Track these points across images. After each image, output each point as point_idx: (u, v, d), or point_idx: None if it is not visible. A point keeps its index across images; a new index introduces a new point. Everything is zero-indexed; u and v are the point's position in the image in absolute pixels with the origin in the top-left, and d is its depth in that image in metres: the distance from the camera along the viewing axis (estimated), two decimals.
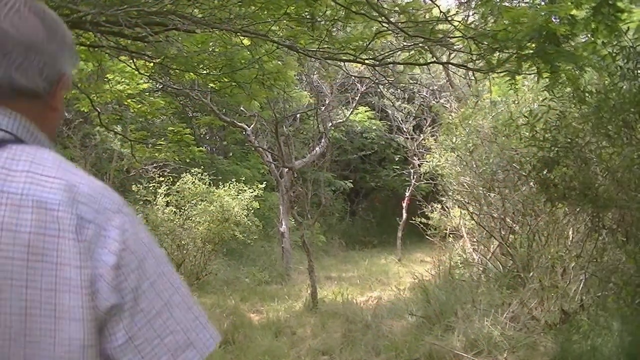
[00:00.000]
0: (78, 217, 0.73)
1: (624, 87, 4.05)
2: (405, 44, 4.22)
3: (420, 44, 3.98)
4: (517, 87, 4.40)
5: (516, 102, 5.88)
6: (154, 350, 0.75)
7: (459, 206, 7.59)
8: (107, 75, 5.77)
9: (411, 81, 12.90)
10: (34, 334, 0.71)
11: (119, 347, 0.74)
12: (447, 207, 8.52)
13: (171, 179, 8.63)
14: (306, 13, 3.79)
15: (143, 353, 0.74)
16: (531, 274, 5.20)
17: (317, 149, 10.46)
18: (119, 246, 0.74)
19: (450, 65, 7.41)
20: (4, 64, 0.79)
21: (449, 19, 3.66)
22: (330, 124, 11.00)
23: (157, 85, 8.22)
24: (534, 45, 3.43)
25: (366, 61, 4.42)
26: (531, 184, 5.17)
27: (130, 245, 0.75)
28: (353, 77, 10.32)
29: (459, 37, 3.72)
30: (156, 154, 8.07)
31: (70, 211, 0.73)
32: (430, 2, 4.03)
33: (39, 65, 0.82)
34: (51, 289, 0.71)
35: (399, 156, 14.83)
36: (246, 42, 4.27)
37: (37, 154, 0.78)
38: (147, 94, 7.31)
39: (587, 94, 4.14)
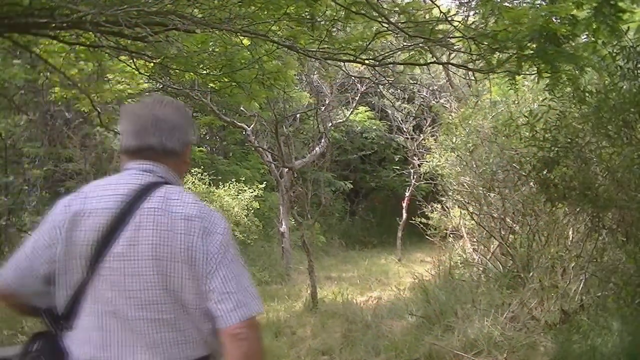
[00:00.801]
0: (202, 226, 1.36)
1: (624, 87, 4.05)
2: (405, 44, 4.22)
3: (420, 44, 3.97)
4: (517, 87, 4.39)
5: (516, 102, 5.88)
6: (222, 300, 1.33)
7: (459, 206, 7.59)
8: (107, 75, 5.77)
9: (411, 81, 12.89)
10: (176, 286, 1.34)
11: (207, 292, 1.34)
12: (447, 207, 8.52)
13: None
14: (306, 13, 3.78)
15: (217, 300, 1.33)
16: (531, 274, 5.20)
17: (317, 149, 10.44)
18: (218, 243, 1.36)
19: (450, 66, 7.41)
20: (160, 135, 1.44)
21: (449, 19, 3.65)
22: (330, 124, 10.98)
23: (157, 85, 8.21)
24: (534, 45, 3.42)
25: (366, 61, 4.42)
26: (531, 184, 5.17)
27: (223, 243, 1.37)
28: (353, 77, 10.31)
29: (459, 37, 3.72)
30: None
31: (200, 222, 1.36)
32: (430, 2, 4.03)
33: (178, 135, 1.47)
34: (191, 263, 1.33)
35: (399, 156, 14.82)
36: (246, 42, 4.27)
37: (179, 190, 1.44)
38: (147, 94, 7.31)
39: (587, 94, 4.14)
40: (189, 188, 8.54)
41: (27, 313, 1.54)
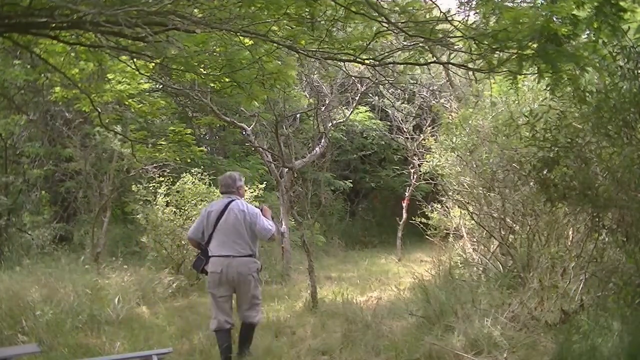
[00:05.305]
0: (251, 212, 4.65)
1: (624, 86, 4.05)
2: (405, 44, 4.21)
3: (421, 44, 3.97)
4: (517, 86, 4.39)
5: (516, 102, 5.88)
6: (259, 229, 4.61)
7: (459, 206, 7.59)
8: (108, 75, 5.77)
9: (411, 81, 12.87)
10: (241, 229, 4.63)
11: (255, 228, 4.62)
12: (447, 207, 8.52)
13: (171, 179, 8.62)
14: (306, 13, 3.78)
15: (257, 228, 4.61)
16: (531, 274, 5.20)
17: (317, 149, 10.43)
18: (256, 215, 4.64)
19: (450, 65, 7.40)
20: (228, 186, 4.78)
21: (449, 19, 3.65)
22: (330, 124, 10.98)
23: (157, 86, 8.20)
24: (535, 45, 3.42)
25: (366, 61, 4.42)
26: (531, 184, 5.17)
27: (257, 214, 4.66)
28: (353, 77, 10.30)
29: (460, 37, 3.72)
30: (156, 154, 8.06)
31: (250, 211, 4.65)
32: (430, 2, 4.03)
33: (235, 184, 4.79)
34: (246, 220, 4.61)
35: (398, 156, 14.82)
36: (246, 41, 4.26)
37: (242, 201, 4.78)
38: (147, 94, 7.31)
39: (587, 94, 4.14)
40: (189, 188, 8.58)
41: (197, 246, 4.71)
